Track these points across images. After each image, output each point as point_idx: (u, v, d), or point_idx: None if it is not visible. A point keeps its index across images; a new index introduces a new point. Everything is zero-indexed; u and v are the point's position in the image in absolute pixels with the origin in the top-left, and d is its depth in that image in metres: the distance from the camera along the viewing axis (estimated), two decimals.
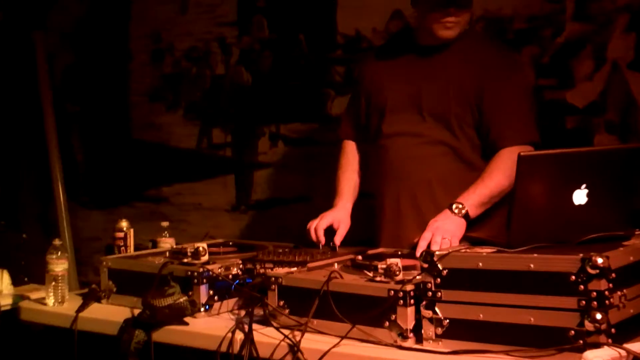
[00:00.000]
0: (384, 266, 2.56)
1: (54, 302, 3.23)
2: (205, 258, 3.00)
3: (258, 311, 2.80)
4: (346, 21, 4.83)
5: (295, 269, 2.89)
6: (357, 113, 3.71)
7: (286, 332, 2.62)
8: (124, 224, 3.60)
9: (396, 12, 4.58)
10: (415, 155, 3.46)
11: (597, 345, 2.17)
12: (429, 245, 3.04)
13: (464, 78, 3.39)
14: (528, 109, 3.41)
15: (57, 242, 3.25)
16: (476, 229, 3.12)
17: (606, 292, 2.18)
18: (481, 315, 2.36)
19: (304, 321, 2.63)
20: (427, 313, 2.45)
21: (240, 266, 3.08)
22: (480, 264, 2.37)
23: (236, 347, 2.65)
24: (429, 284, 2.44)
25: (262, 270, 3.03)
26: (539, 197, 2.47)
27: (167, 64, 5.66)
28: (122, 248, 3.56)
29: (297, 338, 2.57)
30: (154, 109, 5.71)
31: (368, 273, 2.65)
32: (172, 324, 2.86)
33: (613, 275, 2.21)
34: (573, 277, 2.20)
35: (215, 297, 2.98)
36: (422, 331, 2.46)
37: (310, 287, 2.66)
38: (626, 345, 2.20)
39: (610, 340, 2.19)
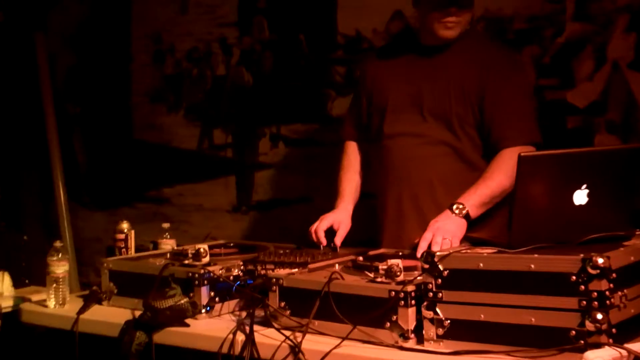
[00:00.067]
0: (385, 267, 2.57)
1: (55, 304, 3.23)
2: (206, 259, 3.00)
3: (259, 312, 2.80)
4: (346, 22, 4.82)
5: (296, 270, 2.89)
6: (358, 113, 3.71)
7: (287, 333, 2.62)
8: (124, 225, 3.60)
9: (396, 12, 4.58)
10: (416, 156, 3.46)
11: (598, 346, 2.17)
12: (429, 246, 3.04)
13: (465, 78, 3.39)
14: (529, 109, 3.41)
15: (57, 243, 3.26)
16: (477, 230, 3.12)
17: (607, 292, 2.19)
18: (482, 316, 2.36)
19: (305, 322, 2.63)
20: (428, 314, 2.45)
21: (241, 267, 3.09)
22: (481, 265, 2.37)
23: (237, 349, 2.65)
24: (430, 285, 2.45)
25: (263, 272, 3.02)
26: (539, 198, 2.47)
27: (168, 64, 5.65)
28: (123, 249, 3.56)
29: (298, 339, 2.57)
30: (155, 109, 5.71)
31: (369, 274, 2.65)
32: (173, 326, 2.87)
33: (614, 275, 2.21)
34: (574, 278, 2.20)
35: (216, 299, 2.98)
36: (423, 332, 2.46)
37: (311, 288, 2.67)
38: (627, 345, 2.20)
39: (611, 340, 2.19)
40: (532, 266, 2.28)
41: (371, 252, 3.22)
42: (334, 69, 4.88)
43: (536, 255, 2.30)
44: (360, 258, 3.01)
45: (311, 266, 2.95)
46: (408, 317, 2.46)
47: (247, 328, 2.67)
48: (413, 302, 2.48)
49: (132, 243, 3.59)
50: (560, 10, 4.07)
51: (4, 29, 6.12)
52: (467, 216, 3.17)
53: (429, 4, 3.38)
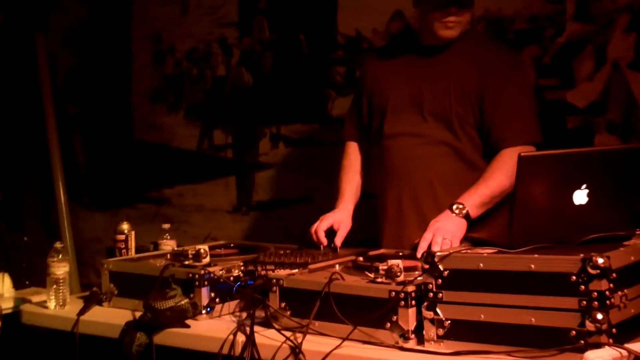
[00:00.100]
0: (385, 267, 2.57)
1: (55, 305, 3.23)
2: (207, 260, 3.00)
3: (259, 313, 2.81)
4: (346, 22, 4.82)
5: (296, 270, 2.90)
6: (359, 114, 3.72)
7: (288, 334, 2.62)
8: (124, 226, 3.60)
9: (396, 12, 4.58)
10: (416, 156, 3.46)
11: (598, 346, 2.17)
12: (429, 246, 3.04)
13: (465, 78, 3.39)
14: (529, 109, 3.41)
15: (58, 245, 3.26)
16: (477, 230, 3.11)
17: (607, 292, 2.19)
18: (482, 316, 2.37)
19: (305, 323, 2.64)
20: (429, 314, 2.45)
21: (242, 268, 3.09)
22: (481, 265, 2.37)
23: (238, 350, 2.65)
24: (430, 285, 2.45)
25: (263, 272, 3.02)
26: (539, 198, 2.47)
27: (168, 65, 5.65)
28: (124, 250, 3.56)
29: (299, 340, 2.58)
30: (155, 110, 5.71)
31: (369, 274, 2.65)
32: (173, 327, 2.87)
33: (614, 275, 2.21)
34: (574, 278, 2.21)
35: (217, 299, 2.98)
36: (424, 332, 2.46)
37: (312, 288, 2.67)
38: (627, 345, 2.20)
39: (611, 340, 2.19)
40: (532, 266, 2.28)
41: (371, 253, 3.22)
42: (334, 69, 4.88)
43: (536, 256, 2.30)
44: (361, 258, 3.01)
45: (311, 267, 2.96)
46: (408, 318, 2.47)
47: (248, 329, 2.68)
48: (413, 302, 2.48)
49: (132, 244, 3.59)
50: (560, 10, 4.07)
51: (5, 29, 6.12)
52: (467, 216, 3.17)
53: (429, 3, 3.38)
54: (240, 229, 5.27)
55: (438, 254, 2.45)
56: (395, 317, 2.48)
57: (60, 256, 3.21)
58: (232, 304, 3.04)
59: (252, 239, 4.82)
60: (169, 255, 3.34)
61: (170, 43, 5.61)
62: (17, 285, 3.89)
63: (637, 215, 2.62)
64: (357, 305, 2.56)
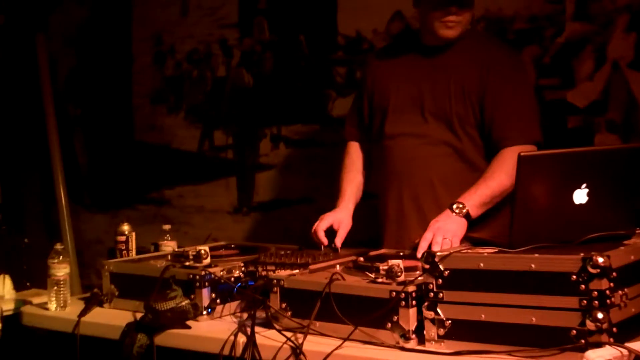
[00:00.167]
0: (386, 267, 2.57)
1: (56, 306, 3.23)
2: (207, 261, 3.00)
3: (260, 314, 2.80)
4: (347, 22, 4.82)
5: (297, 271, 2.89)
6: (360, 114, 3.72)
7: (288, 334, 2.62)
8: (125, 227, 3.59)
9: (396, 13, 4.58)
10: (417, 156, 3.46)
11: (598, 345, 2.17)
12: (430, 246, 3.04)
13: (466, 78, 3.39)
14: (530, 108, 3.41)
15: (58, 246, 3.25)
16: (477, 230, 3.12)
17: (607, 292, 2.19)
18: (483, 316, 2.37)
19: (306, 323, 2.63)
20: (429, 314, 2.45)
21: (242, 269, 3.09)
22: (482, 265, 2.37)
23: (239, 350, 2.65)
24: (431, 285, 2.45)
25: (264, 273, 3.02)
26: (540, 197, 2.47)
27: (168, 66, 5.66)
28: (124, 252, 3.56)
29: (300, 340, 2.58)
30: (155, 111, 5.71)
31: (370, 274, 2.65)
32: (174, 328, 2.87)
33: (614, 274, 2.21)
34: (574, 277, 2.20)
35: (218, 300, 2.98)
36: (425, 332, 2.46)
37: (312, 289, 2.67)
38: (628, 344, 2.20)
39: (612, 340, 2.19)
40: (533, 266, 2.28)
41: (372, 253, 3.21)
42: (335, 69, 4.88)
43: (537, 255, 2.30)
44: (361, 259, 3.01)
45: (312, 267, 2.96)
46: (409, 318, 2.47)
47: (249, 329, 2.67)
48: (414, 302, 2.48)
49: (133, 245, 3.59)
50: (560, 10, 4.08)
51: (5, 31, 6.12)
52: (467, 216, 3.17)
53: (429, 3, 3.38)
54: (241, 229, 5.27)
55: (438, 253, 2.45)
56: (396, 317, 2.48)
57: (60, 257, 3.21)
58: (233, 305, 3.04)
59: (253, 240, 4.83)
60: (169, 257, 3.35)
61: (171, 44, 5.62)
62: (18, 286, 3.88)
63: (637, 215, 2.63)
64: (358, 306, 2.55)
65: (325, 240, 3.41)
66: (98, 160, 6.05)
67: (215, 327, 2.87)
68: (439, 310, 2.43)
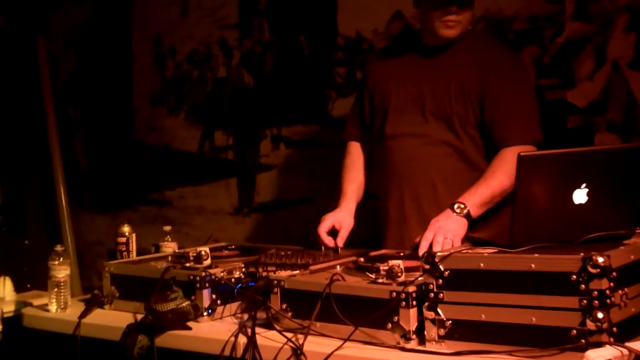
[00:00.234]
0: (386, 268, 2.57)
1: (57, 308, 3.23)
2: (208, 262, 3.00)
3: (261, 314, 2.80)
4: (347, 23, 4.83)
5: (297, 271, 2.89)
6: (361, 114, 3.72)
7: (289, 335, 2.62)
8: (126, 228, 3.59)
9: (396, 13, 4.58)
10: (418, 156, 3.46)
11: (599, 345, 2.17)
12: (430, 246, 3.04)
13: (466, 78, 3.40)
14: (530, 108, 3.42)
15: (59, 247, 3.25)
16: (478, 230, 3.12)
17: (607, 291, 2.19)
18: (483, 316, 2.36)
19: (306, 324, 2.63)
20: (430, 314, 2.45)
21: (243, 270, 3.09)
22: (482, 265, 2.37)
23: (239, 351, 2.65)
24: (431, 285, 2.45)
25: (264, 274, 3.02)
26: (540, 197, 2.47)
27: (168, 67, 5.66)
28: (125, 253, 3.56)
29: (300, 341, 2.58)
30: (156, 112, 5.71)
31: (370, 275, 2.65)
32: (175, 329, 2.87)
33: (614, 274, 2.21)
34: (574, 277, 2.20)
35: (218, 301, 2.98)
36: (425, 332, 2.46)
37: (313, 289, 2.67)
38: (628, 344, 2.20)
39: (612, 339, 2.19)
40: (533, 266, 2.28)
41: (372, 253, 3.21)
42: (335, 70, 4.88)
43: (537, 255, 2.30)
44: (362, 259, 3.01)
45: (312, 268, 2.96)
46: (409, 318, 2.46)
47: (249, 330, 2.67)
48: (414, 302, 2.48)
49: (133, 246, 3.59)
50: (560, 10, 4.08)
51: (6, 32, 6.13)
52: (468, 215, 3.17)
53: (429, 3, 3.39)
54: (241, 230, 5.27)
55: (439, 254, 2.45)
56: (396, 318, 2.48)
57: (61, 259, 3.21)
58: (234, 306, 3.04)
59: (254, 241, 4.84)
60: (170, 258, 3.35)
61: (171, 45, 5.62)
62: (18, 288, 3.88)
63: (637, 215, 2.63)
64: (358, 306, 2.55)
65: (327, 242, 3.41)
66: (98, 161, 6.05)
67: (216, 328, 2.87)
68: (439, 310, 2.43)
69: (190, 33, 5.52)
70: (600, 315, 2.16)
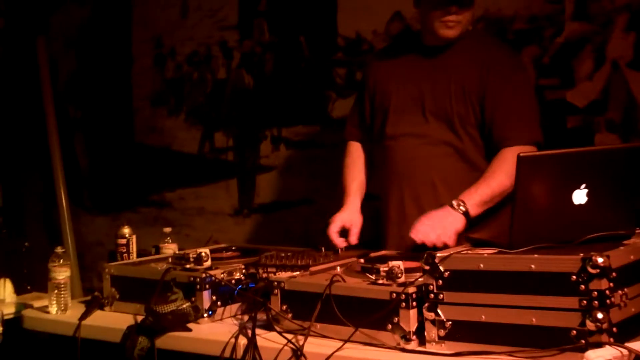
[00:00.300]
0: (386, 269, 2.57)
1: (57, 310, 3.23)
2: (208, 263, 3.00)
3: (261, 316, 2.80)
4: (346, 23, 4.83)
5: (297, 273, 2.89)
6: (361, 114, 3.72)
7: (289, 336, 2.62)
8: (126, 230, 3.59)
9: (396, 13, 4.58)
10: (418, 156, 3.46)
11: (599, 345, 2.17)
12: (431, 247, 3.05)
13: (466, 78, 3.40)
14: (530, 108, 3.42)
15: (59, 249, 3.25)
16: (477, 230, 3.11)
17: (607, 292, 2.19)
18: (483, 317, 2.36)
19: (307, 325, 2.63)
20: (430, 315, 2.44)
21: (243, 271, 3.09)
22: (482, 265, 2.37)
23: (240, 352, 2.65)
24: (431, 286, 2.44)
25: (264, 275, 3.02)
26: (539, 198, 2.47)
27: (168, 68, 5.66)
28: (125, 254, 3.56)
29: (301, 342, 2.57)
30: (156, 113, 5.72)
31: (370, 276, 2.65)
32: (175, 330, 2.86)
33: (614, 274, 2.21)
34: (574, 277, 2.20)
35: (218, 303, 2.98)
36: (425, 333, 2.46)
37: (313, 291, 2.66)
38: (628, 344, 2.20)
39: (612, 340, 2.19)
40: (533, 266, 2.28)
41: (373, 254, 3.22)
42: (335, 70, 4.88)
43: (536, 256, 2.30)
44: (362, 260, 3.01)
45: (313, 269, 2.95)
46: (409, 319, 2.46)
47: (250, 332, 2.67)
48: (414, 303, 2.47)
49: (133, 248, 3.59)
50: (559, 10, 4.08)
51: (6, 33, 6.13)
52: (466, 214, 3.18)
53: (429, 3, 3.39)
54: (241, 231, 5.27)
55: (439, 255, 2.45)
56: (396, 319, 2.48)
57: (61, 261, 3.21)
58: (234, 307, 3.04)
59: (254, 242, 4.84)
60: (170, 259, 3.34)
61: (171, 46, 5.62)
62: (19, 290, 3.89)
63: (637, 215, 2.62)
64: (359, 307, 2.55)
65: (340, 243, 3.42)
66: (98, 162, 6.05)
67: (216, 329, 2.86)
68: (439, 311, 2.43)
69: (190, 34, 5.53)
70: (600, 315, 2.16)
